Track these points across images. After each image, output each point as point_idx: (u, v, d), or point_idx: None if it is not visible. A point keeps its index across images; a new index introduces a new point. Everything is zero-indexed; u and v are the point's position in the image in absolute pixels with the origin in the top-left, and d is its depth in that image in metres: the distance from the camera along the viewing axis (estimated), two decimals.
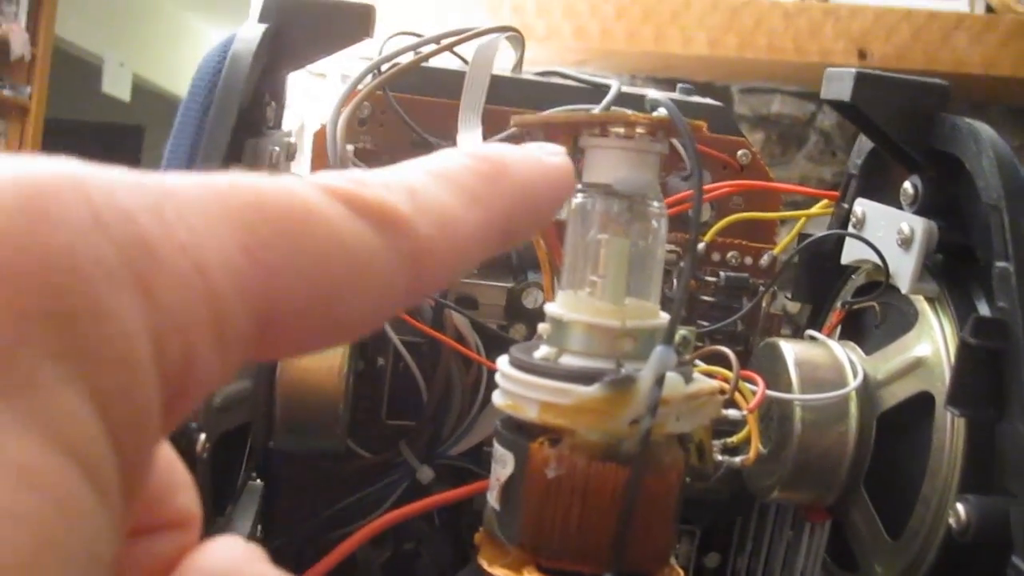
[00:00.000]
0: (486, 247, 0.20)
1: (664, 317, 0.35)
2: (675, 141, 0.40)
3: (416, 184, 0.19)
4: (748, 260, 0.52)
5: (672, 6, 1.50)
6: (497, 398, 0.35)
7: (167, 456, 0.19)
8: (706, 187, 0.50)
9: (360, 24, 0.42)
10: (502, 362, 0.35)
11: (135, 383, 0.14)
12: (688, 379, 0.34)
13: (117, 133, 3.15)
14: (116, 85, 2.97)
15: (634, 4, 1.50)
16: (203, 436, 0.35)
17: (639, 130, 0.34)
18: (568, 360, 0.34)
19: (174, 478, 0.19)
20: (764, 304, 0.50)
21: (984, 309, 0.39)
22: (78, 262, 0.13)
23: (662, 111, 0.34)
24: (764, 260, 0.51)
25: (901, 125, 0.42)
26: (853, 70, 0.42)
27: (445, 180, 0.19)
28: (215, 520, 0.42)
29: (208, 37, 3.56)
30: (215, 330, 0.15)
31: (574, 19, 1.50)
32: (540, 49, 1.54)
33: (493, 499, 0.35)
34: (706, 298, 0.51)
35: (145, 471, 0.14)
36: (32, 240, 0.13)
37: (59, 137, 2.44)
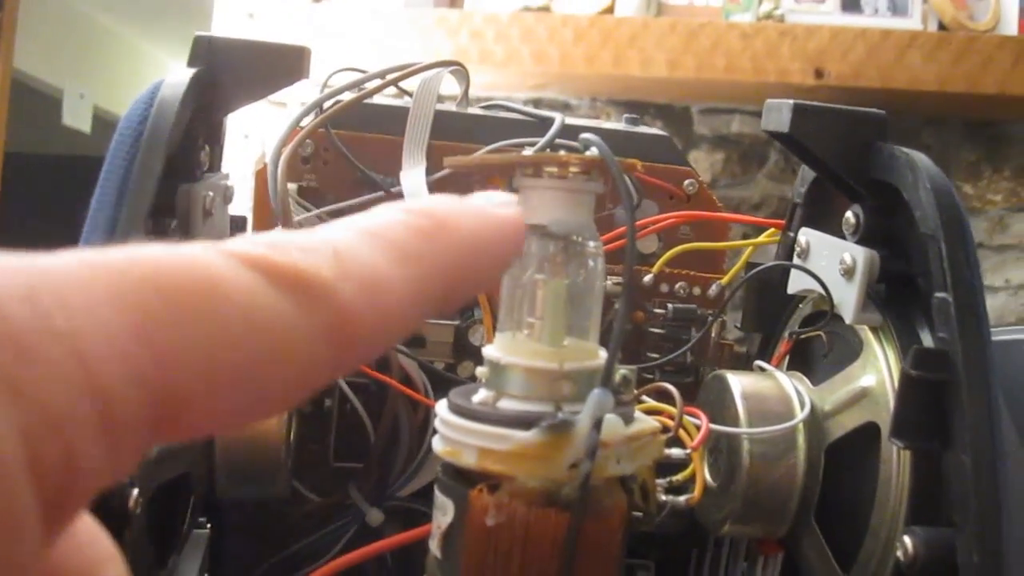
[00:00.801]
0: (422, 309, 0.18)
1: (604, 357, 0.35)
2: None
3: (341, 245, 0.17)
4: (696, 290, 0.51)
5: (631, 29, 1.50)
6: (437, 444, 0.34)
7: (89, 530, 0.19)
8: (652, 218, 0.50)
9: (294, 66, 0.42)
10: (441, 407, 0.35)
11: (3, 493, 0.13)
12: (628, 420, 0.34)
13: (78, 165, 3.12)
14: (76, 117, 2.94)
15: (592, 28, 1.51)
16: (136, 492, 0.34)
17: (572, 170, 0.34)
18: (506, 404, 0.34)
19: (98, 552, 0.19)
20: (713, 334, 0.50)
21: (927, 338, 0.39)
22: None
23: (595, 151, 0.34)
24: (712, 290, 0.51)
25: (840, 155, 0.42)
26: (791, 101, 0.42)
27: (376, 238, 0.18)
28: (157, 573, 0.41)
29: (169, 68, 3.54)
30: (100, 423, 0.14)
31: (533, 43, 1.50)
32: (499, 74, 1.54)
33: (434, 547, 0.34)
34: (655, 330, 0.51)
35: None
36: None
37: (20, 171, 2.41)
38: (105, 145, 0.37)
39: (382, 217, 0.19)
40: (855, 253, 0.41)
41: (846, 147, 0.42)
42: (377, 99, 0.52)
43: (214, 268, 0.15)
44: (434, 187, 0.48)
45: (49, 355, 0.13)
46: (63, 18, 2.96)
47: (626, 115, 0.55)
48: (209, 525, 0.48)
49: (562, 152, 0.34)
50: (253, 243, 0.16)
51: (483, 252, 0.20)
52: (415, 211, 0.19)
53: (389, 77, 0.52)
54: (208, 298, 0.15)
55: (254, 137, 1.60)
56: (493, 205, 0.21)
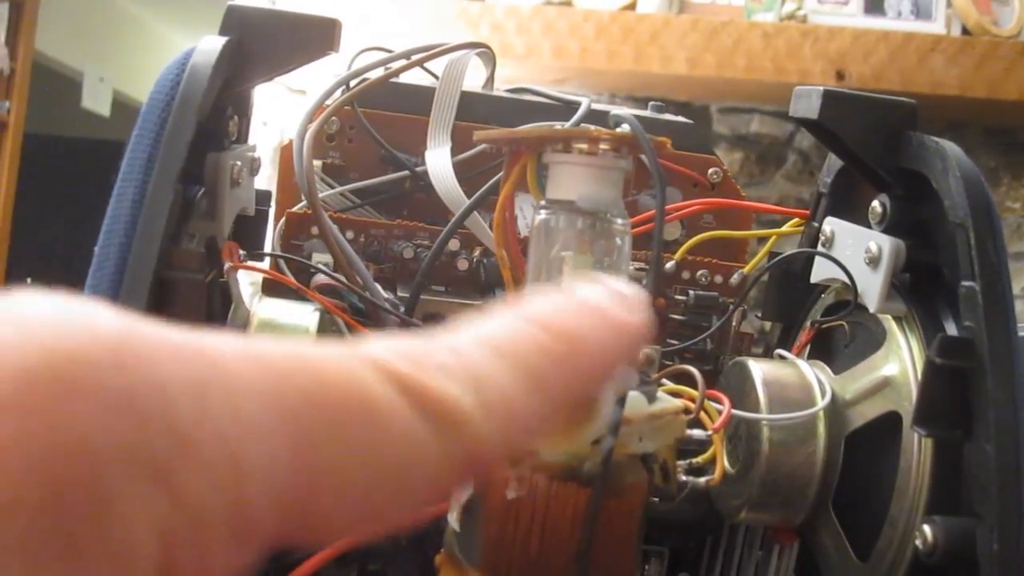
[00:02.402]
0: (540, 436, 0.19)
1: None
2: (645, 158, 0.40)
3: (482, 370, 0.17)
4: (718, 278, 0.51)
5: (652, 26, 1.50)
6: None
7: None
8: (676, 205, 0.50)
9: (325, 38, 0.42)
10: None
11: None
12: (652, 399, 0.34)
13: (96, 149, 3.14)
14: (96, 100, 2.95)
15: (614, 23, 1.50)
16: None
17: (602, 146, 0.34)
18: None
19: None
20: (734, 322, 0.50)
21: (951, 328, 0.39)
22: (91, 446, 0.12)
23: (626, 127, 0.34)
24: (734, 278, 0.51)
25: (869, 143, 0.42)
26: (821, 88, 0.42)
27: (511, 361, 0.18)
28: None
29: None
30: (233, 532, 0.13)
31: (554, 38, 1.50)
32: (519, 67, 1.54)
33: (453, 520, 0.34)
34: (676, 316, 0.50)
35: None
36: (43, 417, 0.11)
37: (39, 153, 2.42)
38: (124, 129, 0.37)
39: (513, 332, 0.18)
40: (881, 242, 0.41)
41: (875, 135, 0.41)
42: (403, 79, 0.52)
43: (369, 388, 0.15)
44: (459, 167, 0.48)
45: (208, 455, 0.13)
46: (85, 1, 2.97)
47: (652, 102, 0.55)
48: None
49: (592, 128, 0.34)
50: (398, 354, 0.16)
51: (605, 369, 0.20)
52: (548, 329, 0.19)
53: (415, 57, 0.52)
54: (363, 424, 0.15)
55: (273, 124, 1.61)
56: (620, 306, 0.20)
